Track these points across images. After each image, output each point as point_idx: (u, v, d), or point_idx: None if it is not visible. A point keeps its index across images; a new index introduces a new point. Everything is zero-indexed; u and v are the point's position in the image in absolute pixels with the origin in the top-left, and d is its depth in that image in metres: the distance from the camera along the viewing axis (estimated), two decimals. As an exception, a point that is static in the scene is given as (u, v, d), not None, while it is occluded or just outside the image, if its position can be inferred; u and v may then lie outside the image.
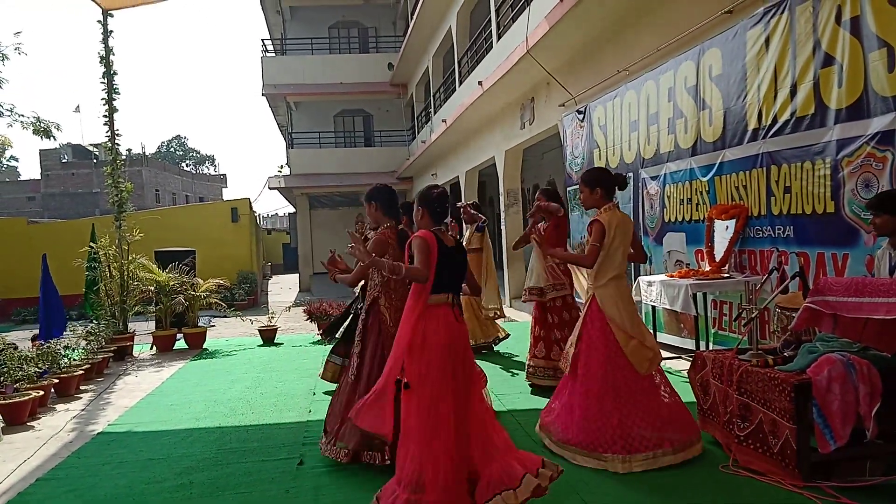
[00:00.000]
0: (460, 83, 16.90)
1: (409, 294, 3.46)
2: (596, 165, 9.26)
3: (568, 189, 10.32)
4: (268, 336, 10.22)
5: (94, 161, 47.63)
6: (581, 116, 9.59)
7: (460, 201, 8.79)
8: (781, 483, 3.63)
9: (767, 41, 5.56)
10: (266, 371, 7.88)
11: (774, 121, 5.52)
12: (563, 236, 6.38)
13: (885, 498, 3.43)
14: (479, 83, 13.02)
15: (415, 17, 19.41)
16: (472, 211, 8.20)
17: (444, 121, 17.04)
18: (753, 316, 4.15)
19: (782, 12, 5.36)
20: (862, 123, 4.67)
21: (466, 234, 8.27)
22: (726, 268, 6.17)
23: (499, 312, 8.36)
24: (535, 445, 4.60)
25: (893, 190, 4.32)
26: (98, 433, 5.54)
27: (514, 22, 11.78)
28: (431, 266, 3.37)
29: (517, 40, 10.61)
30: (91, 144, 48.15)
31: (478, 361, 7.63)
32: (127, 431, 5.55)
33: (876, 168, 4.58)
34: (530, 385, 6.23)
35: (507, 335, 8.31)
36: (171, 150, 79.46)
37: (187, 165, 74.97)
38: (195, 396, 6.69)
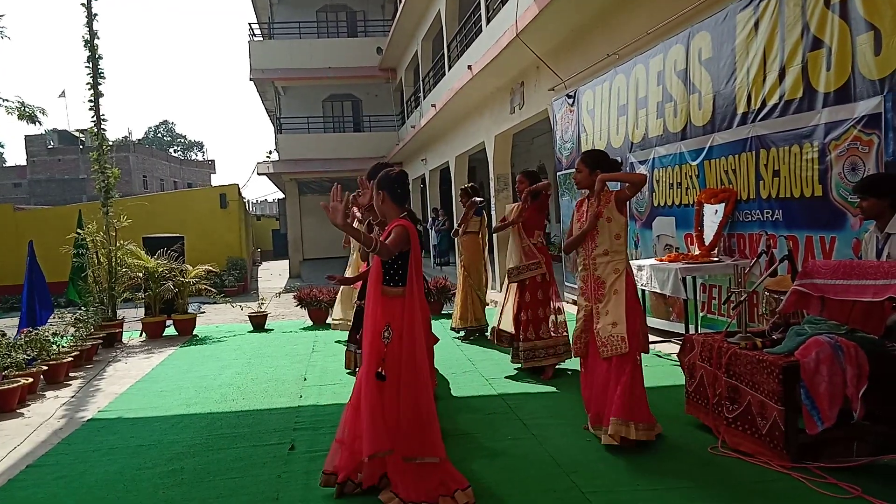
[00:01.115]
0: (450, 67, 16.81)
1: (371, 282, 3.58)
2: (583, 150, 9.26)
3: (558, 174, 10.32)
4: (258, 322, 10.20)
5: (81, 147, 47.14)
6: (571, 101, 9.57)
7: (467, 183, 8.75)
8: (770, 464, 3.67)
9: (757, 24, 5.56)
10: (256, 357, 7.86)
11: (763, 104, 5.53)
12: (543, 216, 6.38)
13: (872, 478, 3.47)
14: (469, 67, 12.96)
15: (403, 0, 19.27)
16: (470, 193, 8.20)
17: (433, 105, 16.97)
18: (742, 299, 4.18)
19: (772, -5, 5.35)
20: (849, 107, 4.69)
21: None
22: (716, 251, 6.20)
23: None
24: (522, 429, 4.63)
25: (879, 174, 4.36)
26: (88, 420, 5.52)
27: (503, 5, 11.70)
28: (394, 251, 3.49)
29: (506, 24, 10.55)
30: (77, 130, 47.65)
31: (468, 346, 7.68)
32: (117, 418, 5.53)
33: (862, 151, 4.60)
34: (526, 369, 6.16)
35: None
36: (159, 135, 78.93)
37: (175, 151, 74.48)
38: (185, 383, 6.68)
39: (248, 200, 35.30)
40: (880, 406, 3.72)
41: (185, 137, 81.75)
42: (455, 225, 8.45)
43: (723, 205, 6.09)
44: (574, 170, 4.58)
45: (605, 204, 4.30)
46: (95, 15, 9.48)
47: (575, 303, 7.78)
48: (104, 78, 9.59)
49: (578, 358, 4.56)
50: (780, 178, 5.42)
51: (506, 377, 6.14)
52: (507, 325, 6.28)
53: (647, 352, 4.67)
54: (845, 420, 3.62)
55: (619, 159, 8.07)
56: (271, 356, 7.86)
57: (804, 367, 3.61)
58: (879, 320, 3.52)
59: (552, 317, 6.10)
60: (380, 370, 3.42)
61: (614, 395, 4.06)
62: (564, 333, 6.06)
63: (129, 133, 59.21)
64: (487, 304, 8.44)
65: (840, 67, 4.75)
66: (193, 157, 77.21)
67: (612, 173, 4.39)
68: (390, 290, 3.56)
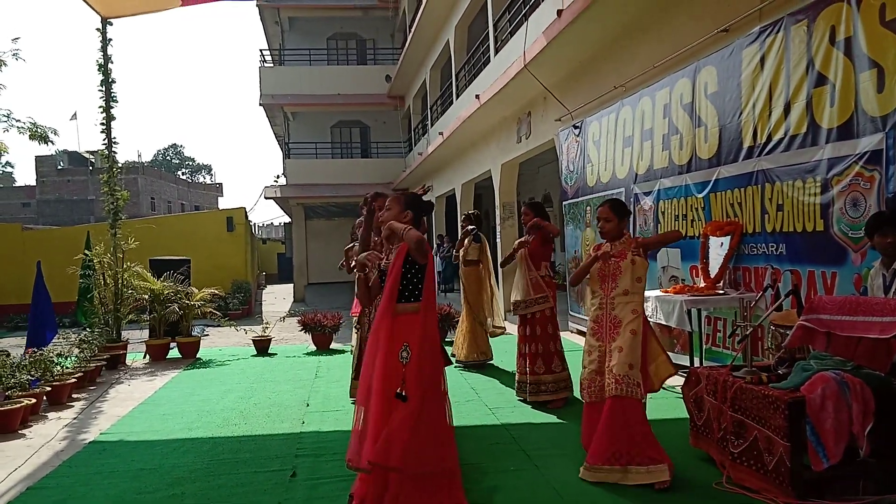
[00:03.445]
0: (457, 96, 16.98)
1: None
2: (588, 180, 9.31)
3: (564, 203, 10.36)
4: (262, 346, 10.19)
5: (90, 168, 47.56)
6: (577, 131, 9.64)
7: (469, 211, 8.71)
8: (775, 501, 3.63)
9: (763, 60, 5.61)
10: (259, 381, 7.85)
11: (769, 139, 5.56)
12: (549, 251, 6.36)
13: (878, 516, 3.44)
14: (477, 97, 13.09)
15: (413, 30, 19.53)
16: (472, 219, 8.22)
17: (440, 133, 17.10)
18: (748, 333, 4.17)
19: (778, 31, 5.41)
20: (851, 143, 4.72)
21: (466, 244, 8.21)
22: (721, 284, 6.19)
23: (503, 329, 8.35)
24: (525, 459, 4.60)
25: (890, 210, 4.33)
26: (90, 442, 5.51)
27: (511, 37, 11.86)
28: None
29: (514, 55, 10.68)
30: (87, 151, 48.05)
31: (472, 374, 7.65)
32: (119, 441, 5.52)
33: (864, 187, 4.62)
34: (530, 403, 6.09)
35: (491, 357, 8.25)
36: (168, 158, 79.58)
37: (183, 174, 75.01)
38: (188, 406, 6.66)
39: (255, 224, 35.40)
40: (887, 444, 3.69)
41: (193, 160, 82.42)
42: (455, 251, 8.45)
43: (728, 237, 6.10)
44: (600, 218, 4.53)
45: (629, 247, 4.37)
46: (110, 40, 9.64)
47: (580, 333, 7.79)
48: (116, 102, 9.72)
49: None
50: (783, 212, 5.44)
51: (509, 407, 6.11)
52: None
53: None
54: (851, 457, 3.59)
55: (622, 190, 8.23)
56: (274, 381, 7.85)
57: (810, 402, 3.59)
58: (886, 357, 3.51)
59: (561, 351, 6.13)
60: (401, 391, 3.40)
61: (636, 438, 4.03)
62: (567, 368, 6.11)
63: (139, 155, 59.66)
64: (501, 330, 8.33)
65: (843, 104, 4.79)
66: (201, 179, 77.71)
67: (652, 238, 4.58)
68: (407, 307, 3.61)
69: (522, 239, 6.32)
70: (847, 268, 4.79)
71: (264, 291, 29.00)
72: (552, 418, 5.69)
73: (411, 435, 3.37)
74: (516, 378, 6.38)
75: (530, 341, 6.09)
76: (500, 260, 7.09)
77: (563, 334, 6.47)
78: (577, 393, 5.82)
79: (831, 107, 4.89)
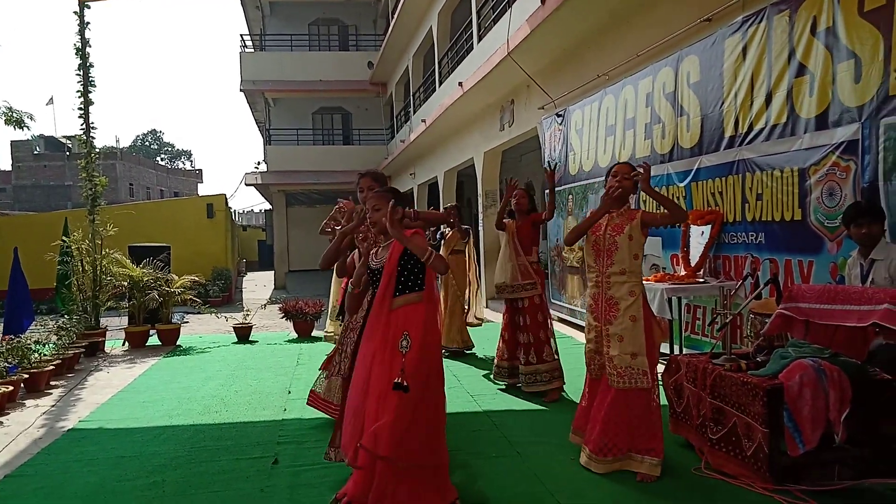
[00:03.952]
0: (440, 83, 16.91)
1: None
2: (570, 169, 9.33)
3: (546, 192, 10.36)
4: (243, 333, 10.15)
5: (67, 153, 46.92)
6: (560, 120, 9.65)
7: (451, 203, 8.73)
8: (753, 486, 3.69)
9: (745, 50, 5.65)
10: (241, 369, 7.81)
11: (751, 128, 5.60)
12: (538, 232, 6.23)
13: (854, 502, 3.50)
14: (460, 84, 13.04)
15: (395, 16, 19.39)
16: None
17: (423, 121, 17.04)
18: (728, 321, 4.21)
19: (760, 21, 5.45)
20: (828, 133, 4.77)
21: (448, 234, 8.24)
22: (701, 272, 6.24)
23: (481, 321, 8.41)
24: (507, 446, 4.62)
25: (866, 201, 4.38)
26: (68, 430, 5.46)
27: (494, 24, 11.82)
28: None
29: (498, 42, 10.65)
30: (64, 136, 47.43)
31: (454, 361, 7.67)
32: (98, 428, 5.47)
33: (840, 177, 4.67)
34: (525, 392, 5.96)
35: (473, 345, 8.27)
36: (147, 143, 78.60)
37: (162, 160, 74.17)
38: (168, 393, 6.62)
39: (235, 211, 35.15)
40: (862, 430, 3.76)
41: (172, 146, 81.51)
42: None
43: (709, 226, 6.15)
44: (618, 174, 4.18)
45: (628, 221, 4.10)
46: (88, 23, 9.47)
47: (561, 321, 7.78)
48: (94, 86, 9.56)
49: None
50: (762, 201, 5.49)
51: (490, 394, 6.13)
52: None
53: None
54: (827, 443, 3.66)
55: (605, 179, 8.24)
56: (255, 368, 7.81)
57: (788, 389, 3.64)
58: (862, 345, 3.57)
59: (552, 339, 6.00)
60: (400, 381, 3.30)
61: (640, 430, 3.98)
62: (558, 356, 6.00)
63: (117, 141, 58.96)
64: (479, 322, 8.37)
65: (822, 94, 4.83)
66: (181, 166, 76.91)
67: (659, 215, 4.17)
68: (410, 297, 3.52)
69: (503, 206, 6.15)
70: (823, 256, 4.85)
71: (245, 279, 28.86)
72: (534, 405, 5.72)
73: (406, 425, 3.30)
74: (495, 362, 6.35)
75: (522, 330, 5.99)
76: (484, 246, 6.88)
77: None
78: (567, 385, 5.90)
79: (810, 97, 4.94)
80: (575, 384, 5.67)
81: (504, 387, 6.29)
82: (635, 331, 4.01)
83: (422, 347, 3.39)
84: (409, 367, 3.33)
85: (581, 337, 5.52)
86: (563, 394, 5.93)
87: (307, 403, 5.21)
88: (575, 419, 4.43)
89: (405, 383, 3.29)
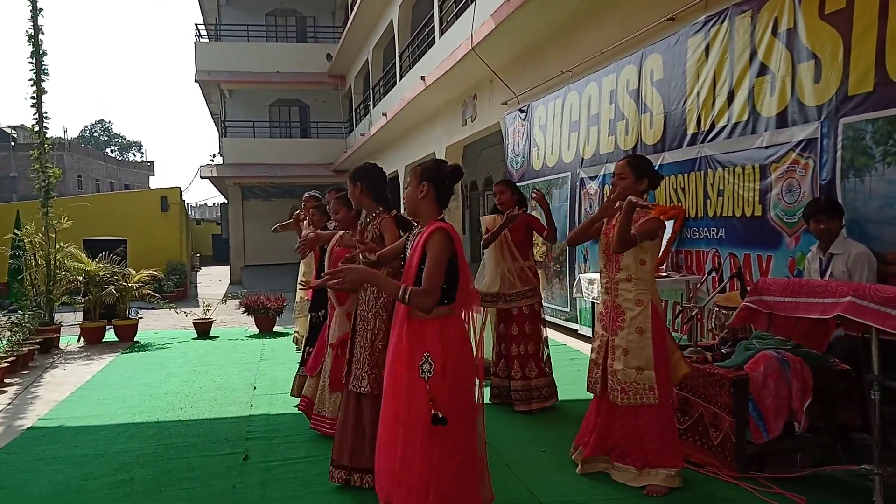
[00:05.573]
0: (401, 77, 16.86)
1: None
2: (534, 164, 9.40)
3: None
4: (203, 329, 9.98)
5: (12, 144, 45.35)
6: (523, 115, 9.72)
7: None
8: (718, 474, 3.80)
9: (707, 49, 5.77)
10: (203, 365, 7.70)
11: (713, 126, 5.74)
12: (531, 237, 5.54)
13: (815, 489, 3.62)
14: (422, 78, 13.03)
15: (355, 8, 19.24)
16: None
17: (384, 114, 16.97)
18: (693, 314, 4.32)
19: (722, 21, 5.57)
20: (788, 131, 4.92)
21: None
22: (664, 267, 6.37)
23: None
24: (494, 458, 4.61)
25: (827, 197, 4.52)
26: (27, 428, 5.31)
27: (457, 18, 11.83)
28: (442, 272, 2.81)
29: (461, 37, 10.67)
30: (9, 126, 45.85)
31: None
32: (59, 426, 5.34)
33: (799, 174, 4.83)
34: (520, 412, 5.24)
35: None
36: (95, 134, 76.43)
37: (112, 151, 72.25)
38: (129, 390, 6.49)
39: (189, 204, 34.47)
40: (823, 419, 3.91)
41: (123, 137, 79.36)
42: None
43: (672, 222, 6.27)
44: (615, 174, 3.99)
45: (633, 224, 3.77)
46: (41, 10, 9.19)
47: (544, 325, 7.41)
48: (48, 75, 9.30)
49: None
50: (724, 197, 5.63)
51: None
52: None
53: None
54: (790, 432, 3.79)
55: (567, 175, 8.36)
56: (218, 364, 7.71)
57: (753, 380, 3.76)
58: (823, 336, 3.69)
59: (547, 351, 5.42)
60: (437, 413, 2.71)
61: (652, 447, 3.72)
62: (550, 369, 5.46)
63: (65, 131, 57.28)
64: None
65: (782, 93, 4.98)
66: (131, 157, 75.05)
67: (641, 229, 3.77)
68: (440, 311, 2.83)
69: (511, 212, 5.23)
70: (782, 251, 5.01)
71: (199, 273, 28.36)
72: (522, 417, 5.21)
73: (453, 473, 2.78)
74: (492, 382, 5.47)
75: (518, 341, 5.26)
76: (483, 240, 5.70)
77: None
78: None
79: (771, 96, 5.09)
80: (562, 392, 5.49)
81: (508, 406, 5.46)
82: (641, 343, 3.68)
83: (444, 370, 2.79)
84: (437, 395, 2.75)
85: (552, 333, 5.41)
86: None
87: (298, 407, 5.03)
88: (578, 436, 4.18)
89: (441, 415, 2.71)
